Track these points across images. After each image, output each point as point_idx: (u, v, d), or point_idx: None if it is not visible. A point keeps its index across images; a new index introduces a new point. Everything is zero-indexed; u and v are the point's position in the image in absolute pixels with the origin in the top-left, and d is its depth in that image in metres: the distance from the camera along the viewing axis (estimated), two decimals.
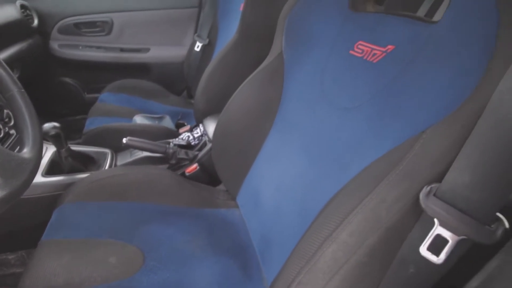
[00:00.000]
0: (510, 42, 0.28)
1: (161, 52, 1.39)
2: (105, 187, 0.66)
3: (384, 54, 0.44)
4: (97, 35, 1.29)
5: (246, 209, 0.67)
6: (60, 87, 1.36)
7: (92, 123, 1.02)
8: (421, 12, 0.56)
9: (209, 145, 0.85)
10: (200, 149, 0.87)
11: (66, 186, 0.69)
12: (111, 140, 0.88)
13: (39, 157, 0.45)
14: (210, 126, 0.90)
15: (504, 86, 0.26)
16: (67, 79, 1.36)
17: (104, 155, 0.84)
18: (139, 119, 1.04)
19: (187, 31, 1.39)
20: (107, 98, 1.19)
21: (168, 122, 1.12)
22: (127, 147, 0.78)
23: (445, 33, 0.35)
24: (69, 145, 0.75)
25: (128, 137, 0.75)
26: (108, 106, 1.13)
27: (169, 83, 1.42)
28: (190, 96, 1.40)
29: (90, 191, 0.65)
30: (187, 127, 0.99)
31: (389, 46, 0.44)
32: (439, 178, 0.29)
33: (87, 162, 0.83)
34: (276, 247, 0.53)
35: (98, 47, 1.31)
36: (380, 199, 0.31)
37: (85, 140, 0.95)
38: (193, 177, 0.81)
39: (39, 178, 0.70)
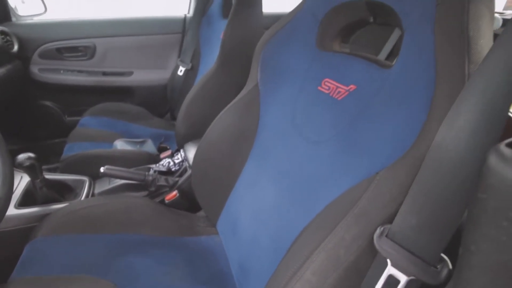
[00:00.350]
0: (445, 95, 0.31)
1: (144, 75, 1.41)
2: (81, 219, 0.65)
3: (347, 92, 0.47)
4: (79, 59, 1.30)
5: (225, 236, 0.67)
6: (40, 111, 1.34)
7: (71, 149, 1.01)
8: (382, 55, 0.60)
9: (189, 171, 0.85)
10: (180, 175, 0.87)
11: (40, 218, 0.68)
12: (89, 167, 0.88)
13: (9, 196, 0.44)
14: (191, 152, 0.91)
15: (439, 137, 0.28)
16: (47, 103, 1.34)
17: (82, 183, 0.83)
18: (120, 144, 1.03)
19: (170, 55, 1.41)
20: (88, 122, 1.19)
21: (150, 146, 1.12)
22: (105, 175, 0.78)
23: (396, 80, 0.38)
24: (45, 175, 0.74)
25: (106, 166, 0.74)
26: (89, 131, 1.13)
27: (153, 105, 1.43)
28: (174, 118, 1.40)
29: (64, 223, 0.63)
30: (168, 152, 0.99)
31: (352, 86, 0.47)
32: (391, 220, 0.31)
33: (64, 191, 0.82)
34: (253, 277, 0.53)
35: (80, 71, 1.31)
36: (340, 238, 0.33)
37: (63, 167, 0.93)
38: (173, 204, 0.81)
39: (11, 210, 0.68)
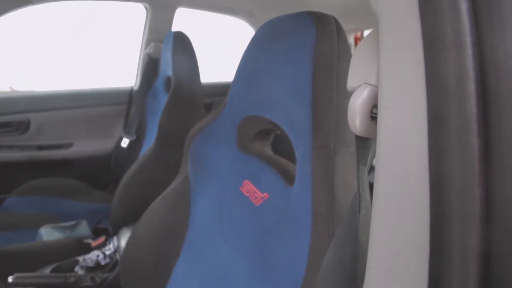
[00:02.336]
0: (317, 251, 0.32)
1: (86, 146, 1.34)
2: None
3: (262, 200, 0.48)
4: (10, 135, 1.21)
5: None
6: None
7: None
8: None
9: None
10: (111, 269, 0.79)
11: None
12: (3, 268, 0.76)
13: None
14: (125, 240, 0.84)
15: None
16: None
17: None
18: (46, 232, 0.93)
19: (115, 125, 1.38)
20: (12, 204, 1.07)
21: (83, 229, 1.02)
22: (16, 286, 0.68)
23: (292, 205, 0.40)
24: None
25: (15, 275, 0.65)
26: (11, 216, 1.01)
27: (95, 177, 1.34)
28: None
29: None
30: (101, 240, 0.91)
31: (265, 194, 0.48)
32: None
33: None
34: None
35: (10, 147, 1.22)
36: None
37: None
38: None
39: None
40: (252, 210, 0.49)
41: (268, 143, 0.61)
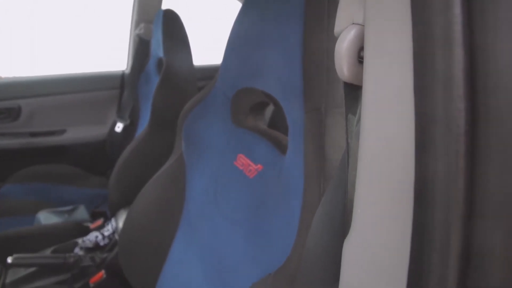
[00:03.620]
0: (308, 210, 0.33)
1: (79, 132, 1.33)
2: None
3: (256, 171, 0.48)
4: (1, 122, 1.19)
5: None
6: None
7: None
8: None
9: None
10: (110, 250, 0.80)
11: None
12: (2, 252, 0.77)
13: None
14: (122, 221, 0.85)
15: (304, 255, 0.29)
16: None
17: None
18: (44, 217, 0.93)
19: (108, 110, 1.37)
20: (8, 191, 1.07)
21: (81, 213, 1.03)
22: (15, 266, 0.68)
23: (285, 172, 0.40)
24: None
25: (14, 255, 0.66)
26: (8, 203, 1.01)
27: (90, 163, 1.34)
28: None
29: None
30: (99, 222, 0.92)
31: (259, 165, 0.48)
32: None
33: None
34: None
35: (2, 134, 1.20)
36: None
37: None
38: (99, 286, 0.73)
39: None
40: (247, 183, 0.50)
41: (262, 118, 0.61)
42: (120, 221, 0.85)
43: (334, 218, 0.23)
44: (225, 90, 0.58)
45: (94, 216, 1.04)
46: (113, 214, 0.91)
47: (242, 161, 0.53)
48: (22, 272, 0.76)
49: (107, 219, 0.96)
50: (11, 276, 0.75)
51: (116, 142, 1.28)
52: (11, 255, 0.71)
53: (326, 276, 0.23)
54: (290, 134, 0.41)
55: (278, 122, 0.63)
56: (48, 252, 0.79)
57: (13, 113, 1.20)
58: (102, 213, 1.06)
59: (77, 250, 0.81)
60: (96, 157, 1.36)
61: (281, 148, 0.46)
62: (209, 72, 1.47)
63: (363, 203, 0.17)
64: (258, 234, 0.43)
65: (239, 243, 0.47)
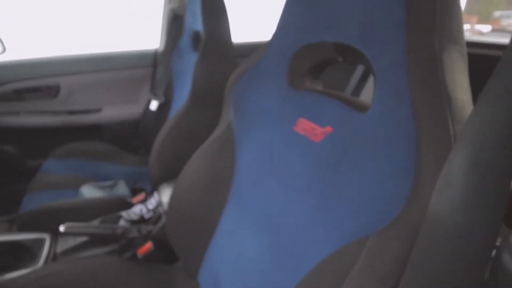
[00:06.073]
0: (431, 157, 0.28)
1: (114, 111, 1.34)
2: None
3: (323, 135, 0.44)
4: (42, 99, 1.22)
5: None
6: None
7: (31, 201, 0.91)
8: (348, 91, 0.59)
9: (164, 218, 0.78)
10: (155, 223, 0.80)
11: None
12: (50, 222, 0.78)
13: None
14: (166, 195, 0.84)
15: (432, 208, 0.25)
16: (7, 147, 1.23)
17: (41, 242, 0.73)
18: (87, 191, 0.94)
19: (141, 89, 1.36)
20: (51, 167, 1.09)
21: (122, 188, 1.03)
22: (67, 234, 0.69)
23: (374, 128, 0.35)
24: None
25: (66, 224, 0.66)
26: (52, 177, 1.03)
27: (124, 142, 1.35)
28: (148, 153, 1.33)
29: None
30: (141, 196, 0.92)
31: (328, 127, 0.44)
32: None
33: (20, 254, 0.72)
34: None
35: (43, 112, 1.23)
36: None
37: (20, 224, 0.83)
38: (147, 257, 0.73)
39: None
40: (312, 148, 0.46)
41: (319, 82, 0.56)
42: (163, 195, 0.84)
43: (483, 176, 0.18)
44: (283, 49, 0.54)
45: (133, 192, 1.05)
46: (155, 188, 0.91)
47: (303, 125, 0.49)
48: (72, 242, 0.77)
49: (147, 194, 0.96)
50: (61, 245, 0.76)
51: (150, 120, 1.28)
52: (58, 225, 0.71)
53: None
54: (379, 83, 0.36)
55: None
56: (94, 223, 0.79)
57: (53, 91, 1.22)
58: (141, 190, 1.07)
59: (122, 223, 0.81)
60: (129, 136, 1.37)
61: (355, 106, 0.42)
62: (246, 50, 1.41)
63: None
64: (332, 199, 0.39)
65: (305, 211, 0.43)
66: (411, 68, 0.31)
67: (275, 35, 0.55)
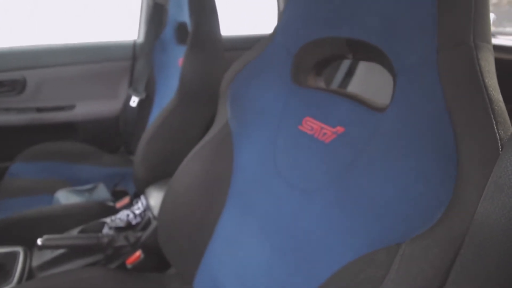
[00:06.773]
0: (477, 160, 0.26)
1: (90, 108, 1.24)
2: None
3: (334, 135, 0.42)
4: (5, 96, 1.09)
5: None
6: None
7: None
8: (335, 83, 0.57)
9: (154, 223, 0.73)
10: (143, 228, 0.74)
11: None
12: (24, 233, 0.70)
13: None
14: (153, 198, 0.79)
15: (482, 214, 0.23)
16: None
17: (13, 257, 0.65)
18: (63, 196, 0.86)
19: (120, 83, 1.27)
20: (19, 170, 0.98)
21: (102, 192, 0.96)
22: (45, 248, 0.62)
23: (395, 128, 0.33)
24: None
25: (44, 237, 0.59)
26: (21, 181, 0.93)
27: (102, 141, 1.26)
28: (129, 152, 1.25)
29: None
30: (126, 200, 0.85)
31: (339, 127, 0.41)
32: None
33: None
34: None
35: (7, 109, 1.10)
36: None
37: None
38: (137, 267, 0.68)
39: None
40: (322, 148, 0.43)
41: (322, 79, 0.54)
42: (150, 198, 0.78)
43: None
44: (288, 44, 0.50)
45: (115, 195, 0.97)
46: (141, 191, 0.85)
47: (310, 124, 0.46)
48: (49, 254, 0.69)
49: (132, 198, 0.89)
50: (37, 259, 0.69)
51: (130, 118, 1.20)
52: (33, 236, 0.64)
53: None
54: (401, 82, 0.34)
55: None
56: (74, 232, 0.72)
57: (18, 86, 1.09)
58: (123, 192, 0.99)
59: (106, 230, 0.74)
60: (108, 134, 1.27)
61: (368, 105, 0.40)
62: (235, 43, 1.34)
63: None
64: (349, 201, 0.37)
65: (319, 214, 0.41)
66: (444, 66, 0.29)
67: (279, 28, 0.52)
